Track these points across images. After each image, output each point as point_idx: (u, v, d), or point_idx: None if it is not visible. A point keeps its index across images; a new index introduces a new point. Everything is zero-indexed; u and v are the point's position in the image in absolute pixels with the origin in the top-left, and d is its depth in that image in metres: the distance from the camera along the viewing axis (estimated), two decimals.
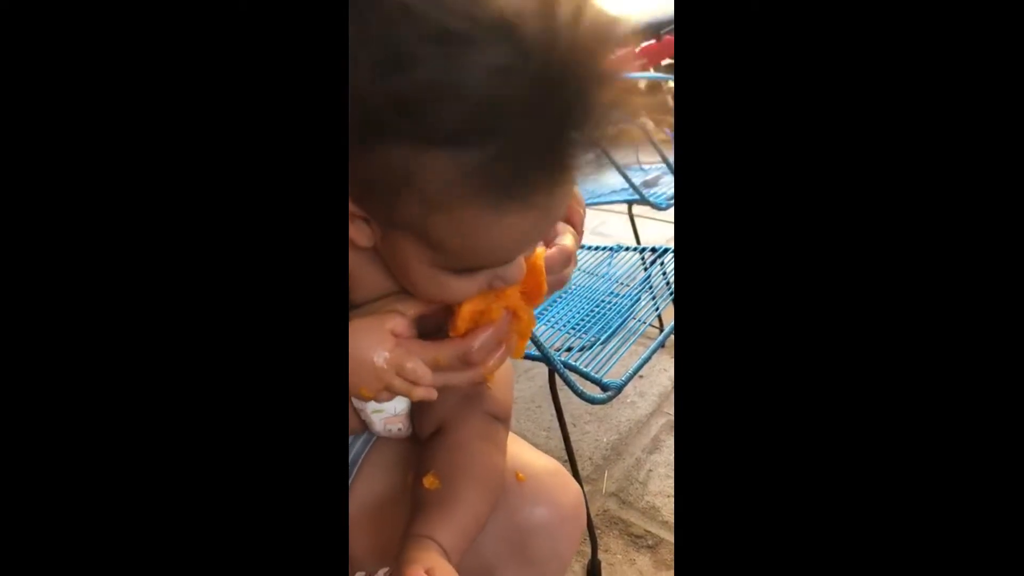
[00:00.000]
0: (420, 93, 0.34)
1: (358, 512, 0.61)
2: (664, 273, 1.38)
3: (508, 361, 0.66)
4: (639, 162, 1.77)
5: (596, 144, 0.37)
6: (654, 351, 1.11)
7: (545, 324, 1.20)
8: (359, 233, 0.43)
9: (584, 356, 1.06)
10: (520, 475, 0.59)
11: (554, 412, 1.08)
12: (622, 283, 1.35)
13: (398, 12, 0.33)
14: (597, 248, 1.49)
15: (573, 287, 1.34)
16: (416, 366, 0.46)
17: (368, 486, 0.62)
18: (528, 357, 1.03)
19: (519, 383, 1.62)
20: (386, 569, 0.61)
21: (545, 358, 0.97)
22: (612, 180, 1.81)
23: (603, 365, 1.05)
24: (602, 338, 1.13)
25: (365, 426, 0.63)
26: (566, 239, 0.52)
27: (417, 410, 0.60)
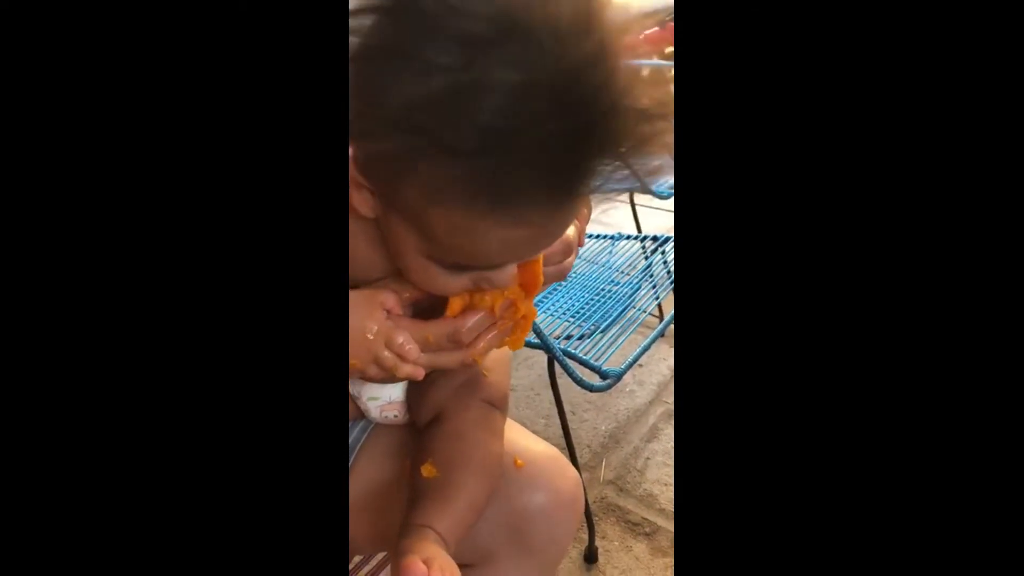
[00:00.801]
0: (435, 101, 0.33)
1: (356, 498, 0.61)
2: (665, 262, 1.38)
3: (505, 348, 0.66)
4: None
5: (607, 171, 0.37)
6: (654, 340, 1.11)
7: (545, 312, 1.20)
8: (362, 202, 0.42)
9: (584, 344, 1.06)
10: (519, 461, 0.60)
11: (552, 400, 1.08)
12: (622, 272, 1.35)
13: (425, 14, 0.33)
14: (598, 236, 1.48)
15: (574, 275, 1.33)
16: (405, 340, 0.46)
17: (366, 473, 0.62)
18: (528, 345, 1.03)
19: (518, 371, 1.62)
20: (383, 554, 0.61)
21: (544, 345, 0.97)
22: None
23: (602, 353, 1.05)
24: (602, 326, 1.13)
25: (361, 413, 0.63)
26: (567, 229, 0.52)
27: (413, 397, 0.60)
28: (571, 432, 1.11)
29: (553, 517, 0.60)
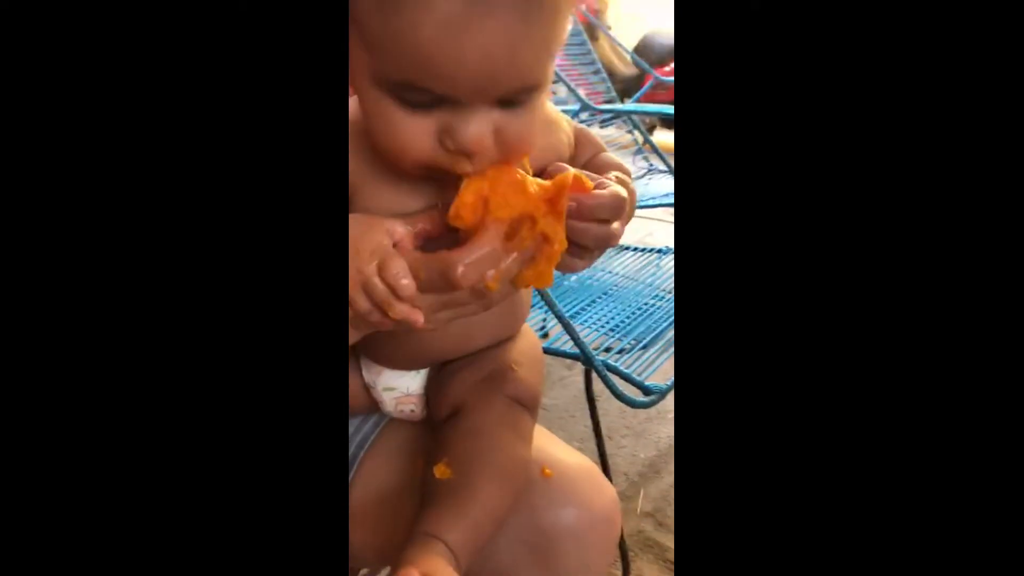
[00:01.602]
0: None
1: (362, 502, 0.54)
2: None
3: (536, 344, 0.58)
4: None
5: None
6: None
7: (582, 324, 1.13)
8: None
9: (624, 358, 0.98)
10: (547, 470, 0.52)
11: (588, 424, 1.00)
12: (667, 289, 1.26)
13: None
14: (641, 250, 1.41)
15: (614, 290, 1.26)
16: (400, 270, 0.39)
17: (375, 474, 0.56)
18: (564, 354, 0.96)
19: (552, 390, 1.55)
20: (389, 568, 0.54)
21: (583, 355, 0.90)
22: (656, 187, 1.76)
23: (644, 369, 0.97)
24: (643, 342, 1.05)
25: (376, 406, 0.57)
26: (617, 187, 0.44)
27: (433, 389, 0.53)
28: (608, 458, 1.02)
29: (585, 539, 0.52)
